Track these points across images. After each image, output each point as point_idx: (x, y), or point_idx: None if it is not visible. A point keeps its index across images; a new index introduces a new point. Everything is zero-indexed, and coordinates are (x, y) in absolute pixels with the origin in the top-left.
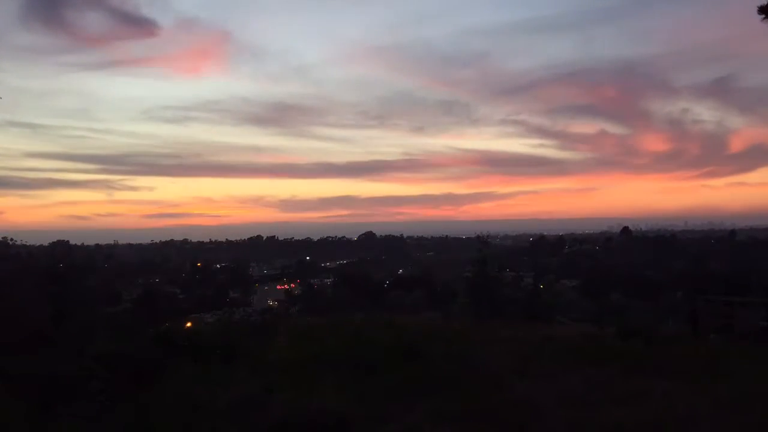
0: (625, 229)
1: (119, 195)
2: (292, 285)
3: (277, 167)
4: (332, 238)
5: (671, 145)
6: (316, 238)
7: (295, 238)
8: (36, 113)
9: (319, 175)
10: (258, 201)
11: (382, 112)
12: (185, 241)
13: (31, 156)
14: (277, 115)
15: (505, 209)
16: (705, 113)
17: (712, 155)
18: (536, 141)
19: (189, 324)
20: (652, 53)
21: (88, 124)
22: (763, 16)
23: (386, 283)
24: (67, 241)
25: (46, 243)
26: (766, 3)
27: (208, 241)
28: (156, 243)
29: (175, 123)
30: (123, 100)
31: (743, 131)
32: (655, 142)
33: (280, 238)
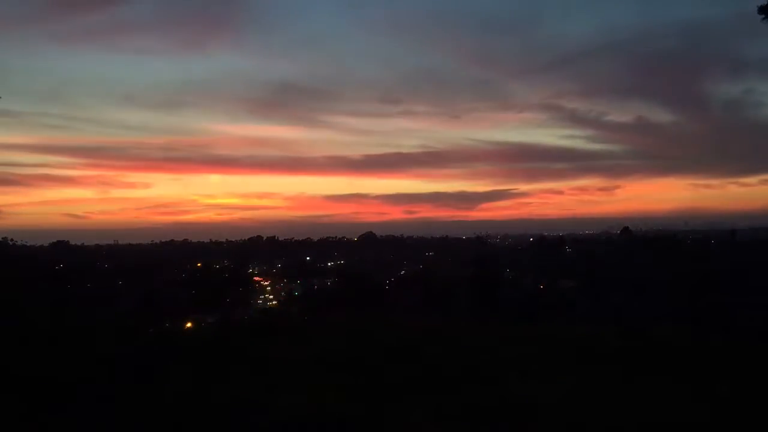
0: (626, 229)
1: (115, 192)
2: (292, 285)
3: (285, 161)
4: (333, 238)
5: (719, 135)
6: (316, 238)
7: (295, 239)
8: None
9: (330, 171)
10: (262, 199)
11: (404, 95)
12: (185, 241)
13: (8, 148)
14: (285, 99)
15: (521, 209)
16: None
17: (762, 148)
18: (567, 131)
19: (189, 324)
20: (722, 16)
21: (67, 111)
22: (763, 16)
23: (386, 284)
24: (68, 242)
25: (46, 243)
26: (766, 3)
27: (209, 241)
28: (156, 243)
29: (167, 109)
30: (105, 81)
31: None
32: (699, 133)
33: (280, 238)
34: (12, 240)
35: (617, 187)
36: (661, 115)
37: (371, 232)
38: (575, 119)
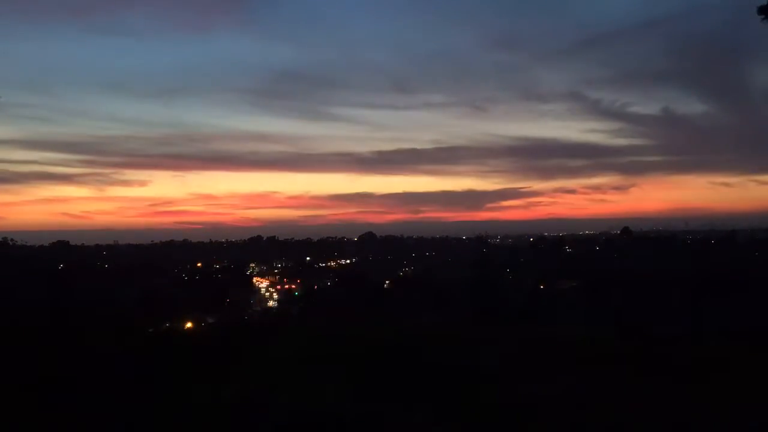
0: (625, 230)
1: (111, 191)
2: (292, 285)
3: (289, 158)
4: (332, 238)
5: (752, 128)
6: (316, 239)
7: (295, 239)
8: None
9: (337, 169)
10: (265, 198)
11: (419, 83)
12: (185, 242)
13: None
14: (289, 89)
15: (529, 209)
16: None
17: None
18: (590, 125)
19: (189, 324)
20: None
21: (51, 102)
22: (763, 16)
23: (386, 284)
24: (68, 242)
25: (46, 243)
26: (766, 3)
27: (209, 241)
28: (156, 243)
29: (162, 99)
30: (91, 66)
31: None
32: (730, 125)
33: (280, 239)
34: (12, 240)
35: (633, 185)
36: (691, 105)
37: (371, 232)
38: (599, 111)
